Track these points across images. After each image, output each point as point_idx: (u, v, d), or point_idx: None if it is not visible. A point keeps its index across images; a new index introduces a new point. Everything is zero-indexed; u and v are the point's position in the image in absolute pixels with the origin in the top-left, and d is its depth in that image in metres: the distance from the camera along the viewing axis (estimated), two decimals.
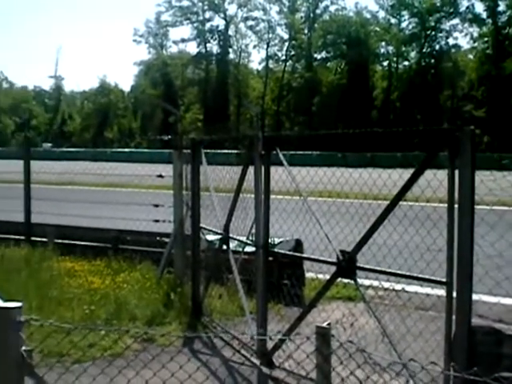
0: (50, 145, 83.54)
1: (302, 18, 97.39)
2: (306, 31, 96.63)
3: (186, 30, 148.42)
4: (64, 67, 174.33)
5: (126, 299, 9.86)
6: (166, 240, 11.77)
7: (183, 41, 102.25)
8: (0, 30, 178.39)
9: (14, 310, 3.22)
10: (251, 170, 7.75)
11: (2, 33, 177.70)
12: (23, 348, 3.24)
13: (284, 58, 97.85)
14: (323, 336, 3.78)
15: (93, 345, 7.31)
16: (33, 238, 14.14)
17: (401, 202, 5.75)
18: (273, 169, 7.38)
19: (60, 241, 13.72)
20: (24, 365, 3.23)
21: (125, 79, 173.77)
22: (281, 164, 7.29)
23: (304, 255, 9.99)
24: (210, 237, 10.15)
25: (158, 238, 12.44)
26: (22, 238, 14.22)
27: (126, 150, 69.71)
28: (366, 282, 8.04)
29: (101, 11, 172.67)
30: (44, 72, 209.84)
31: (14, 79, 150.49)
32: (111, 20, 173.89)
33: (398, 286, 9.51)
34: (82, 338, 5.56)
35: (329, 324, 3.89)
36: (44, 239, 13.85)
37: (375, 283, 8.46)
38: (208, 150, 9.98)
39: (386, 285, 9.04)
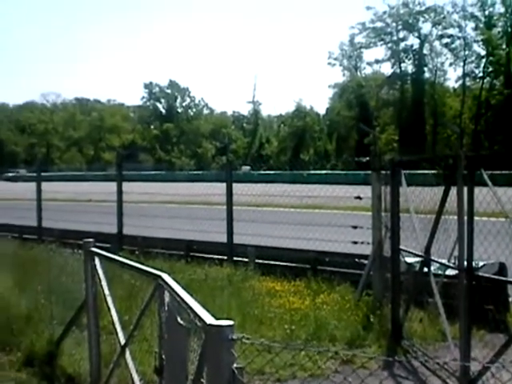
0: (248, 168, 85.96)
1: (499, 33, 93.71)
2: (503, 46, 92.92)
3: (379, 51, 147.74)
4: (261, 92, 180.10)
5: (326, 320, 9.91)
6: (365, 262, 11.72)
7: (377, 62, 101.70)
8: (199, 60, 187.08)
9: (226, 327, 3.34)
10: (453, 190, 7.56)
11: (201, 63, 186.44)
12: (234, 365, 3.34)
13: (481, 74, 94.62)
14: None
15: (293, 364, 7.38)
16: (235, 258, 14.62)
17: None
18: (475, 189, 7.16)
19: (261, 261, 14.09)
20: (235, 382, 3.32)
21: (320, 102, 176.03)
22: (482, 184, 7.06)
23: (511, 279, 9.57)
24: (410, 259, 9.98)
25: (356, 260, 12.42)
26: (225, 257, 14.73)
27: (322, 171, 70.26)
28: None
29: (295, 37, 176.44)
30: (242, 97, 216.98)
31: (213, 105, 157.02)
32: (306, 44, 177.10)
33: None
34: (291, 358, 5.64)
35: None
36: (245, 259, 14.28)
37: None
38: (405, 171, 9.84)
39: None
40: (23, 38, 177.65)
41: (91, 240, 7.76)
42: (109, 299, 7.04)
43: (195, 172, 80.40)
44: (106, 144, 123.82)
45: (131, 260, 7.16)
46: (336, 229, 13.99)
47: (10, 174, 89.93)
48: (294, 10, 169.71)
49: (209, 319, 3.51)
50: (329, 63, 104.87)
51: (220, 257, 14.76)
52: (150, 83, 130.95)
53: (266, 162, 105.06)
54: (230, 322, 3.36)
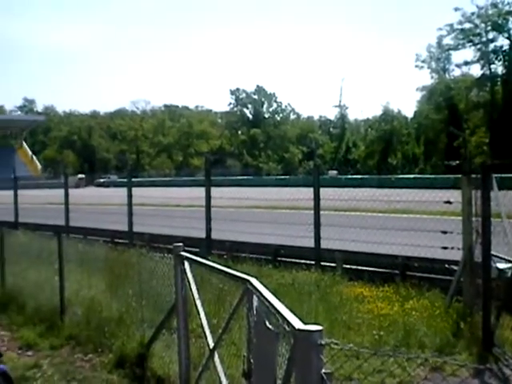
0: (335, 172, 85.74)
1: None
2: None
3: (468, 53, 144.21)
4: (348, 96, 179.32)
5: (415, 326, 9.79)
6: (455, 268, 11.51)
7: (466, 63, 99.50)
8: (285, 65, 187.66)
9: (315, 332, 3.34)
10: None
11: (288, 68, 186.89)
12: (323, 370, 3.34)
13: None
14: None
15: (382, 370, 7.29)
16: (322, 263, 14.57)
17: None
18: None
19: (348, 266, 14.02)
20: None
21: (407, 105, 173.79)
22: None
23: None
24: (501, 265, 9.75)
25: (446, 266, 12.21)
26: (312, 262, 14.70)
27: (411, 175, 69.33)
28: None
29: (382, 39, 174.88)
30: (329, 102, 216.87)
31: (300, 110, 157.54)
32: (393, 47, 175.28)
33: None
34: (380, 364, 5.59)
35: None
36: (333, 264, 14.23)
37: None
38: (497, 175, 9.62)
39: None
40: (113, 47, 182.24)
41: (180, 244, 7.87)
42: (198, 303, 7.12)
43: (282, 177, 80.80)
44: (195, 150, 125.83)
45: (220, 264, 7.22)
46: (425, 234, 13.78)
47: (102, 180, 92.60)
48: (381, 14, 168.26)
49: (298, 324, 3.52)
50: (416, 66, 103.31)
51: (307, 262, 14.75)
52: (237, 89, 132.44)
53: (353, 166, 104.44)
54: (319, 327, 3.36)
